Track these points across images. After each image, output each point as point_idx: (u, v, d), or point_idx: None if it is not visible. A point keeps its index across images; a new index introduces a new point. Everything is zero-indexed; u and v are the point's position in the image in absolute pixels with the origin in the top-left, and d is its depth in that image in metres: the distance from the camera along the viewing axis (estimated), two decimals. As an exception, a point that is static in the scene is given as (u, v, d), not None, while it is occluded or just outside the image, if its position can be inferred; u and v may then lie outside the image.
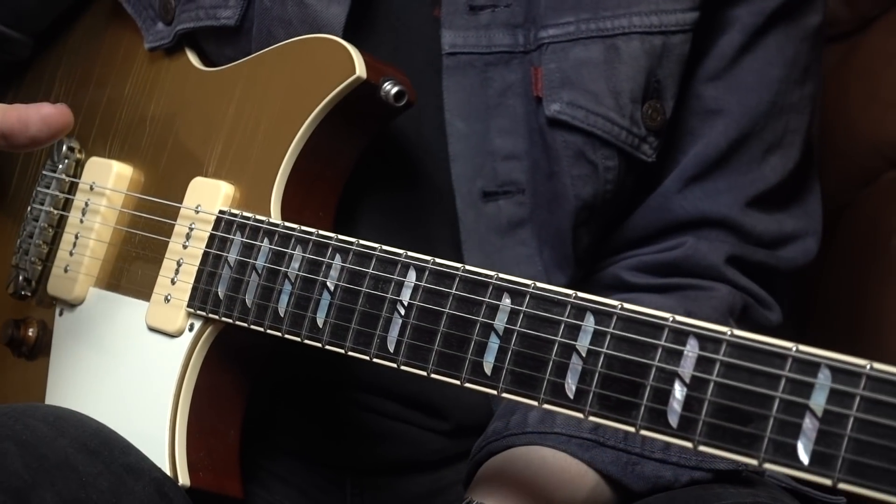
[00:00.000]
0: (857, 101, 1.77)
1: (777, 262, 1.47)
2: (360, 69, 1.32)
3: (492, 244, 1.41)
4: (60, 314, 1.48)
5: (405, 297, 1.20)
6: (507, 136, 1.41)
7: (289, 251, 1.29)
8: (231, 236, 1.34)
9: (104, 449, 1.30)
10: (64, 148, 1.53)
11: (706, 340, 1.03)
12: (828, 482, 0.95)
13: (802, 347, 0.98)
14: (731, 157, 1.44)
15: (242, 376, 1.39)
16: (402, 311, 1.20)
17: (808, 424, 0.96)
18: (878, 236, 1.62)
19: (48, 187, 1.53)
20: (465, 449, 1.45)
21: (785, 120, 1.46)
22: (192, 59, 1.48)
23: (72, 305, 1.47)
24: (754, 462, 0.98)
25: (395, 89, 1.33)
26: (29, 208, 1.54)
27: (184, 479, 1.33)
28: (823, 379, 0.97)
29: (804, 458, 0.96)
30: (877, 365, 0.95)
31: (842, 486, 0.94)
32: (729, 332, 1.02)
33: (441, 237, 1.42)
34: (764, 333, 1.41)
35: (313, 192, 1.37)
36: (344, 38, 1.36)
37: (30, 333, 1.51)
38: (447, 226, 1.42)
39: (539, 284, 1.13)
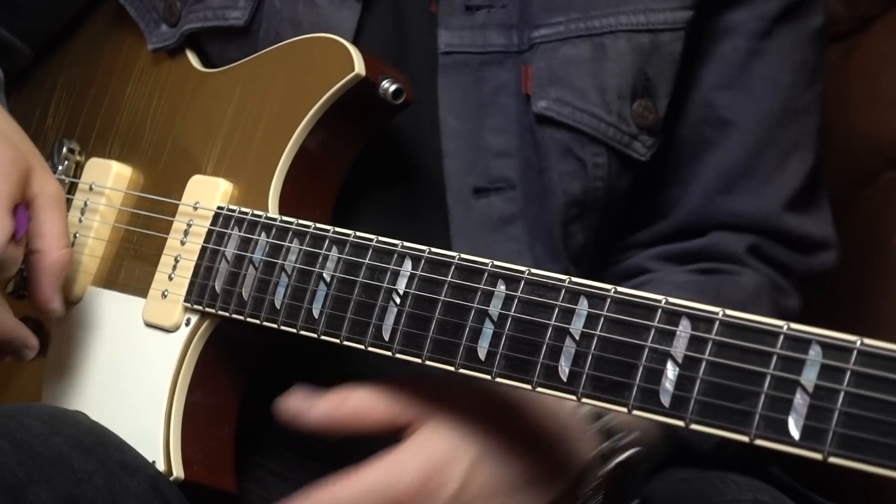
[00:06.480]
0: (857, 101, 1.78)
1: (796, 263, 1.50)
2: (360, 66, 1.34)
3: (482, 239, 1.42)
4: (57, 312, 1.49)
5: (401, 286, 1.21)
6: (500, 134, 1.42)
7: (286, 244, 1.30)
8: (229, 231, 1.35)
9: (99, 447, 1.31)
10: (64, 149, 1.55)
11: (698, 320, 1.04)
12: (818, 457, 0.96)
13: (794, 325, 0.99)
14: (754, 167, 1.47)
15: (238, 371, 1.39)
16: (398, 300, 1.21)
17: (800, 400, 0.97)
18: (878, 236, 1.63)
19: (48, 188, 1.54)
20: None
21: (798, 123, 1.48)
22: (193, 60, 1.50)
23: (69, 303, 1.47)
24: (745, 438, 0.99)
25: (393, 87, 1.35)
26: (29, 208, 1.55)
27: (178, 472, 1.33)
28: (814, 355, 0.97)
29: (795, 434, 0.97)
30: (867, 340, 0.95)
31: (832, 460, 0.95)
32: (721, 313, 1.03)
33: (435, 233, 1.43)
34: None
35: (311, 189, 1.38)
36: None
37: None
38: (441, 222, 1.43)
39: (533, 270, 1.14)
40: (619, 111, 1.42)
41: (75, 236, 1.49)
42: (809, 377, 0.97)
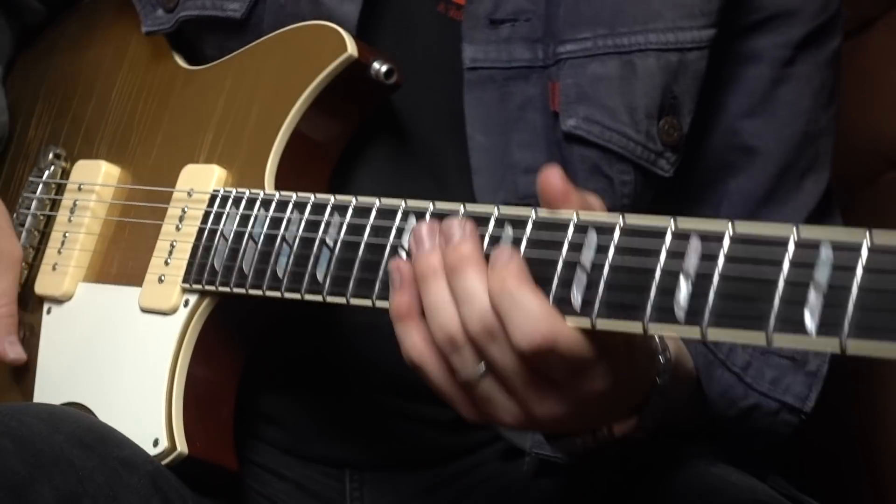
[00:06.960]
0: (858, 102, 1.78)
1: None
2: (352, 48, 1.37)
3: None
4: (48, 312, 1.49)
5: (406, 241, 1.23)
6: (527, 150, 1.43)
7: (286, 216, 1.32)
8: (227, 210, 1.37)
9: (99, 444, 1.31)
10: (50, 155, 1.56)
11: (709, 238, 1.06)
12: (836, 349, 0.99)
13: (804, 232, 1.03)
14: (775, 191, 1.50)
15: (238, 350, 1.41)
16: (405, 256, 1.22)
17: (813, 298, 1.00)
18: (878, 237, 1.66)
19: (34, 192, 1.55)
20: (464, 442, 1.48)
21: (816, 145, 1.52)
22: (179, 60, 1.52)
23: (60, 302, 1.48)
24: (762, 338, 1.01)
25: (384, 67, 1.38)
26: (15, 214, 1.56)
27: (182, 447, 1.33)
28: (825, 256, 1.01)
29: (811, 328, 1.00)
30: (876, 237, 0.99)
31: (851, 350, 0.98)
32: (731, 229, 1.06)
33: None
34: None
35: (306, 172, 1.40)
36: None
37: (17, 336, 1.52)
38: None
39: (540, 212, 1.17)
40: (647, 129, 1.43)
41: (65, 235, 1.50)
42: (822, 276, 1.00)
